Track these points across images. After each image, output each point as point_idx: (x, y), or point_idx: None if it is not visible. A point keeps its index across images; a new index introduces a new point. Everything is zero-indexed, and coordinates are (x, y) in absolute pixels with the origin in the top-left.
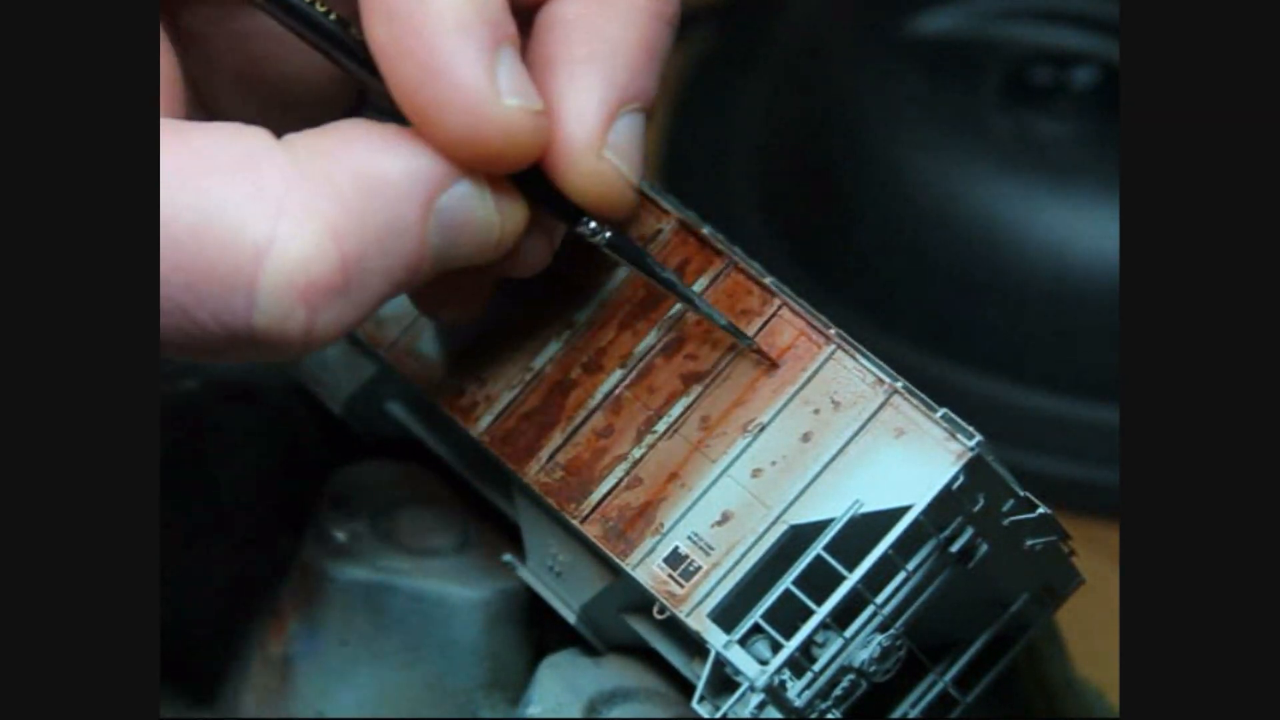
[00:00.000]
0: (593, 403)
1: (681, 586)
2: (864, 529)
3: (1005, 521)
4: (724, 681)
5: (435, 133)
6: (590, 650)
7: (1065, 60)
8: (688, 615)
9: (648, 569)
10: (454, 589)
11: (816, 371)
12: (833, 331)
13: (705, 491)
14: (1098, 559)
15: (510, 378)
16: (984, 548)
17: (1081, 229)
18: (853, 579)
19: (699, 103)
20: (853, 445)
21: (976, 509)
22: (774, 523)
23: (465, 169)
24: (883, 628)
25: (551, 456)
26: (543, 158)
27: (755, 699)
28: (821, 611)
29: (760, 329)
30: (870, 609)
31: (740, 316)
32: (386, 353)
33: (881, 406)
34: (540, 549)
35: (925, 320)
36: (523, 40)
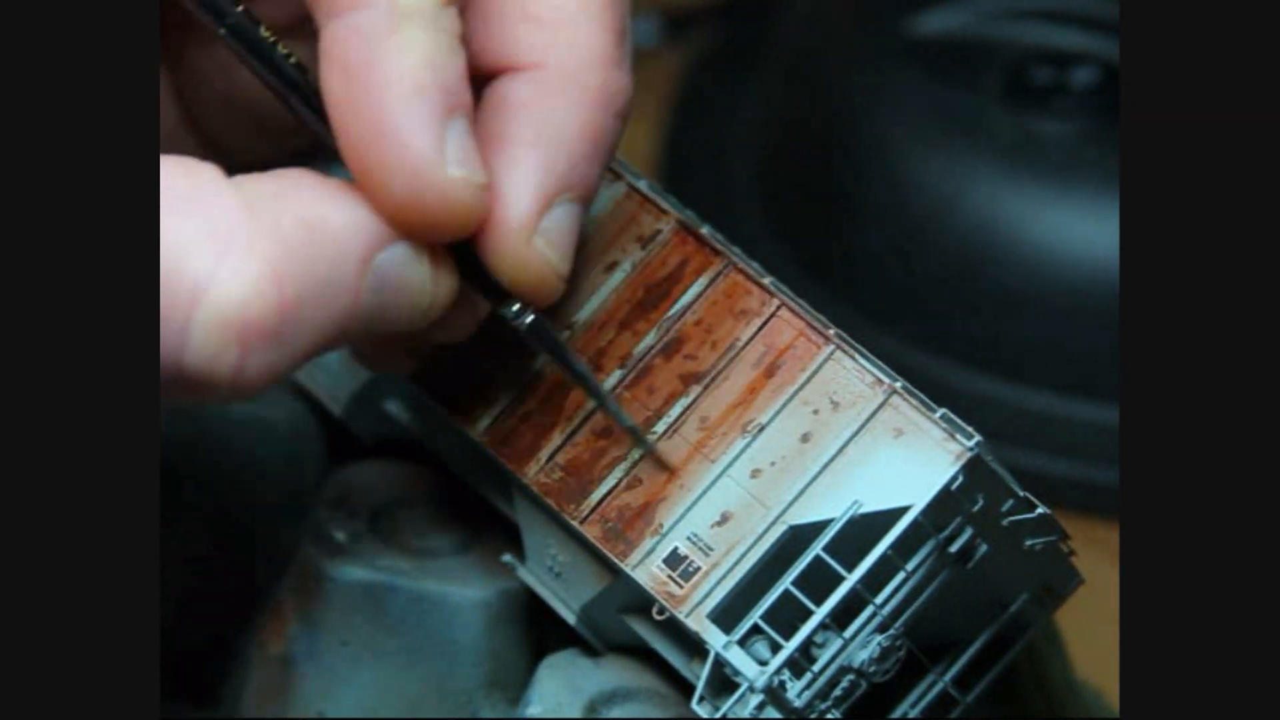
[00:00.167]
0: (592, 403)
1: (681, 587)
2: (863, 529)
3: (1004, 521)
4: (724, 682)
5: (377, 193)
6: (590, 650)
7: (1065, 60)
8: (687, 616)
9: (647, 569)
10: (454, 589)
11: (816, 372)
12: (832, 332)
13: (704, 492)
14: (1098, 559)
15: (510, 378)
16: (983, 548)
17: (1081, 229)
18: (852, 579)
19: (699, 103)
20: (852, 445)
21: (976, 509)
22: (773, 523)
23: (402, 232)
24: (882, 628)
25: (551, 457)
26: (476, 236)
27: (755, 699)
28: (821, 612)
29: (760, 329)
30: (870, 609)
31: (739, 317)
32: None
33: (881, 407)
34: (540, 549)
35: (925, 320)
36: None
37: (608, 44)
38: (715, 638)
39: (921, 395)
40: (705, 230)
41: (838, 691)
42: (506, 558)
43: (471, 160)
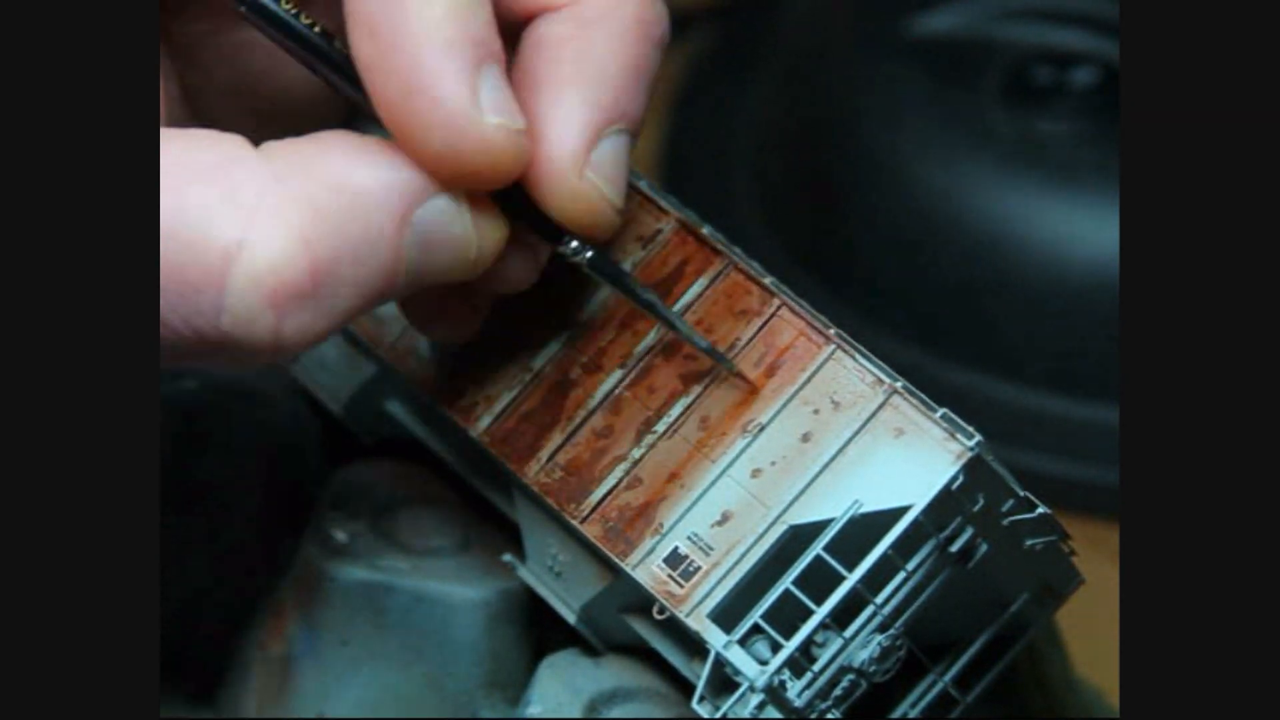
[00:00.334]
0: (592, 403)
1: (681, 586)
2: (864, 529)
3: (1005, 521)
4: (724, 681)
5: (415, 149)
6: (590, 650)
7: (1065, 60)
8: (687, 615)
9: (647, 569)
10: (454, 589)
11: (816, 371)
12: (832, 331)
13: (705, 492)
14: (1098, 559)
15: (510, 378)
16: (984, 548)
17: (1081, 229)
18: (852, 579)
19: (699, 103)
20: (852, 445)
21: (976, 509)
22: (774, 523)
23: (444, 185)
24: (882, 628)
25: (551, 456)
26: (525, 177)
27: (755, 699)
28: (821, 611)
29: (760, 329)
30: (870, 609)
31: (739, 316)
32: (386, 353)
33: (881, 406)
34: (540, 549)
35: (925, 320)
36: (510, 57)
37: None
38: (716, 637)
39: (922, 395)
40: (706, 230)
41: (838, 691)
42: (507, 557)
43: (507, 107)
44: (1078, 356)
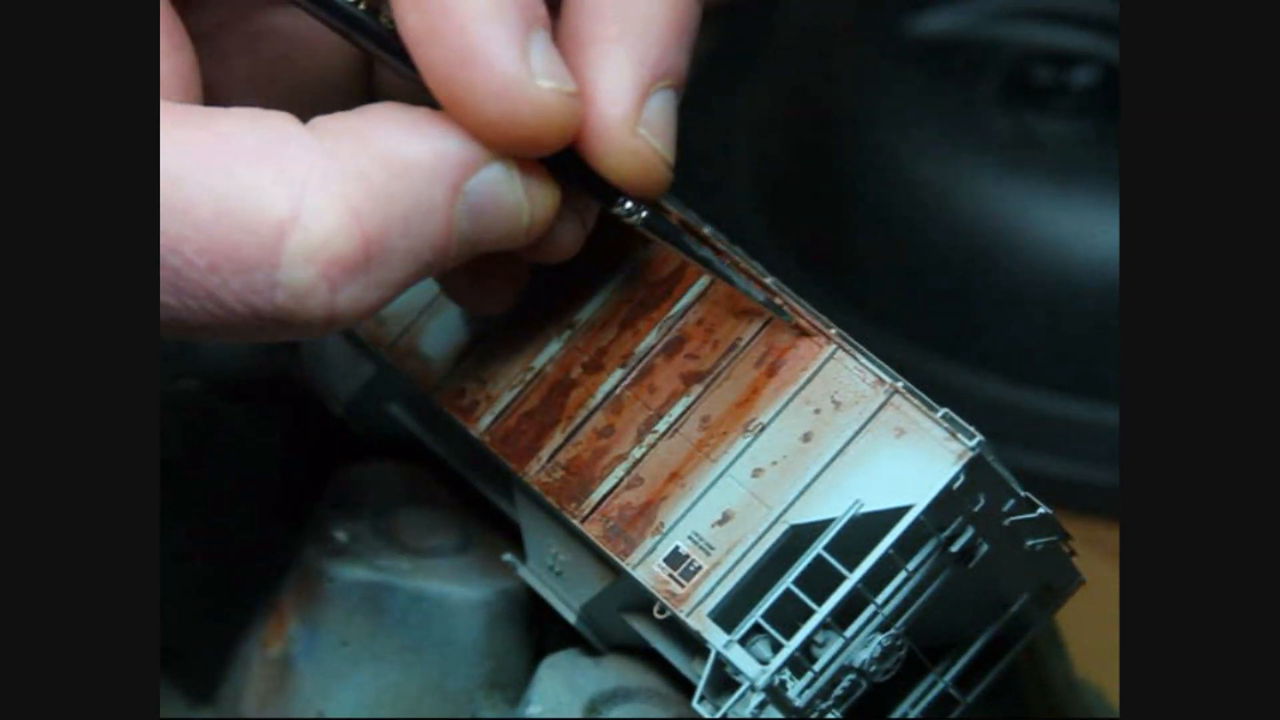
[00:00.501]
0: (593, 402)
1: (682, 586)
2: (864, 529)
3: (1005, 521)
4: (724, 681)
5: (469, 117)
6: (590, 650)
7: (1065, 60)
8: (688, 615)
9: (648, 569)
10: (454, 589)
11: (817, 371)
12: (833, 331)
13: (706, 491)
14: (1098, 559)
15: (511, 377)
16: (984, 548)
17: (1081, 229)
18: (853, 579)
19: (699, 103)
20: (853, 445)
21: (977, 509)
22: (774, 522)
23: (495, 153)
24: (883, 628)
25: (552, 456)
26: (576, 139)
27: (755, 699)
28: (822, 611)
29: (761, 329)
30: (870, 609)
31: (740, 317)
32: (387, 353)
33: (882, 406)
34: (540, 549)
35: (925, 320)
36: (552, 20)
37: None
38: (716, 637)
39: (923, 395)
40: (707, 230)
41: (838, 691)
42: (507, 557)
43: (558, 70)
44: (1078, 356)
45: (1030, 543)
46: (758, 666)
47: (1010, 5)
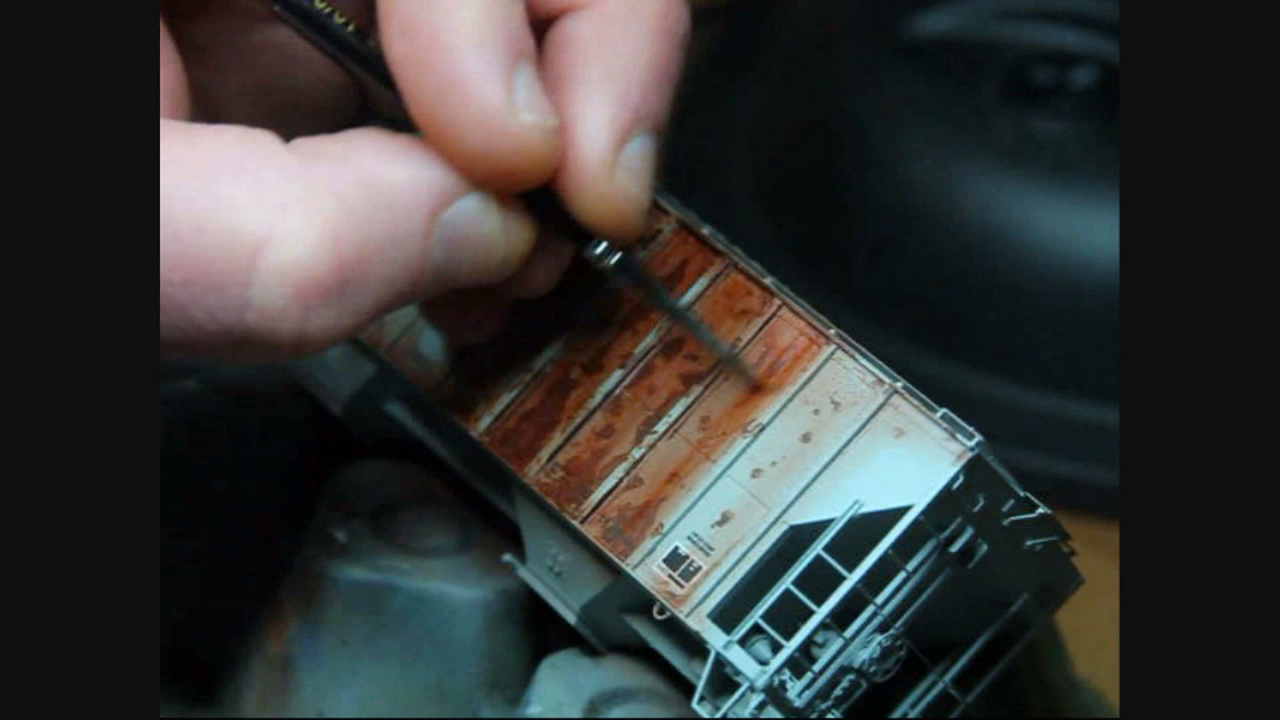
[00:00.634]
0: (593, 403)
1: (681, 587)
2: (864, 529)
3: (1005, 521)
4: (724, 682)
5: (450, 146)
6: (590, 650)
7: (1065, 60)
8: (688, 615)
9: (648, 569)
10: (454, 589)
11: (816, 372)
12: (833, 331)
13: (705, 492)
14: (1098, 559)
15: (510, 378)
16: (984, 548)
17: (1081, 229)
18: (853, 579)
19: (699, 103)
20: (852, 445)
21: (976, 509)
22: (774, 523)
23: (474, 184)
24: (883, 628)
25: (551, 457)
26: (554, 177)
27: (755, 699)
28: (821, 612)
29: (760, 329)
30: (870, 609)
31: (740, 317)
32: (386, 353)
33: (881, 407)
34: (540, 549)
35: (925, 320)
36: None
37: None
38: (716, 637)
39: (922, 395)
40: (707, 230)
41: (838, 691)
42: (507, 557)
43: (541, 105)
44: (1077, 356)
45: (1030, 543)
46: (757, 667)
47: (1010, 5)
